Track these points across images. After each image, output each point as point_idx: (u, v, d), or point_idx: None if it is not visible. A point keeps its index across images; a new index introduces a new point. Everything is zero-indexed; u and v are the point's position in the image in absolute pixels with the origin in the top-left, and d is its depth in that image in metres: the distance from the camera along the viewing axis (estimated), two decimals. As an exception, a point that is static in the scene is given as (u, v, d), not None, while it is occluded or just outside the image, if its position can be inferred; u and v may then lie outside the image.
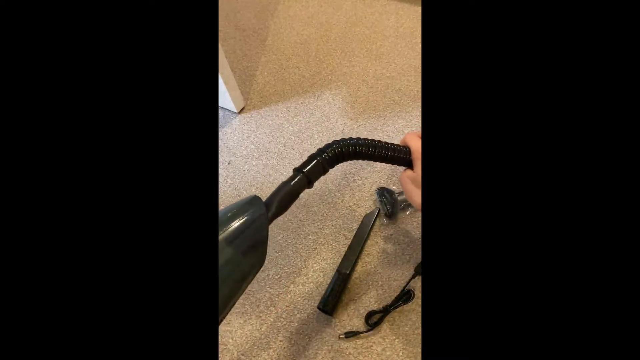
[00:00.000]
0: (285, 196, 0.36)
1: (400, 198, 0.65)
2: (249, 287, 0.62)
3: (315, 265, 0.63)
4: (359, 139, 0.40)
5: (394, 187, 0.68)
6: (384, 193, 0.66)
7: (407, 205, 0.65)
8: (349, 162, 0.74)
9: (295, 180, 0.37)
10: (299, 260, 0.64)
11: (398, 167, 0.73)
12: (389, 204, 0.65)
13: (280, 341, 0.57)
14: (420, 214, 0.66)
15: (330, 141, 0.39)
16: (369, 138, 0.41)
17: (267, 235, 0.32)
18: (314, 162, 0.38)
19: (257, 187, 0.72)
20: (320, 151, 0.39)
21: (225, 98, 0.82)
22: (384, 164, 0.43)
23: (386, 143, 0.42)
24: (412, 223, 0.66)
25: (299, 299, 0.60)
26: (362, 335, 0.55)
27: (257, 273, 0.32)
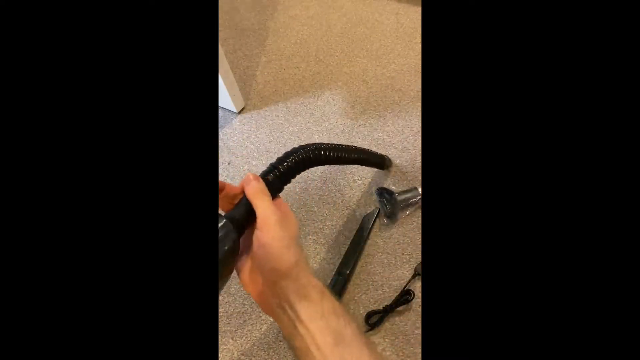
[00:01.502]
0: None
1: (400, 198, 0.65)
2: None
3: (315, 265, 0.63)
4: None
5: (394, 187, 0.68)
6: (383, 193, 0.66)
7: (407, 205, 0.65)
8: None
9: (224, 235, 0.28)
10: (299, 260, 0.64)
11: (398, 168, 0.73)
12: (389, 204, 0.65)
13: (280, 341, 0.57)
14: (420, 214, 0.66)
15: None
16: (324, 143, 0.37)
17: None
18: (245, 206, 0.30)
19: (257, 187, 0.72)
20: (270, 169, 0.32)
21: (225, 98, 0.82)
22: None
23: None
24: (412, 223, 0.66)
25: (299, 299, 0.60)
26: (362, 335, 0.55)
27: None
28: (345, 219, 0.67)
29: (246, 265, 0.31)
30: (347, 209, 0.69)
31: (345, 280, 0.58)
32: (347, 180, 0.72)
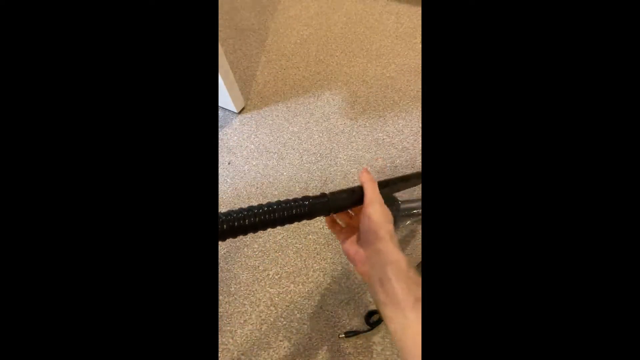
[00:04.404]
0: None
1: (403, 206, 0.64)
2: (250, 287, 0.62)
3: (315, 265, 0.63)
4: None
5: (399, 194, 0.68)
6: (386, 199, 0.66)
7: (409, 214, 0.65)
8: (350, 161, 0.74)
9: None
10: (299, 260, 0.64)
11: (398, 168, 0.73)
12: (391, 210, 0.64)
13: (280, 341, 0.57)
14: (420, 223, 0.66)
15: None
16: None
17: None
18: None
19: (257, 187, 0.72)
20: None
21: (225, 98, 0.82)
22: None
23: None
24: (413, 223, 0.66)
25: (299, 298, 0.60)
26: (362, 334, 0.55)
27: None
28: (345, 219, 0.68)
29: (352, 238, 0.38)
30: (347, 209, 0.69)
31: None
32: (347, 181, 0.72)
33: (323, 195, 0.36)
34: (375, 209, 0.36)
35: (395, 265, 0.34)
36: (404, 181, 0.45)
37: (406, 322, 0.30)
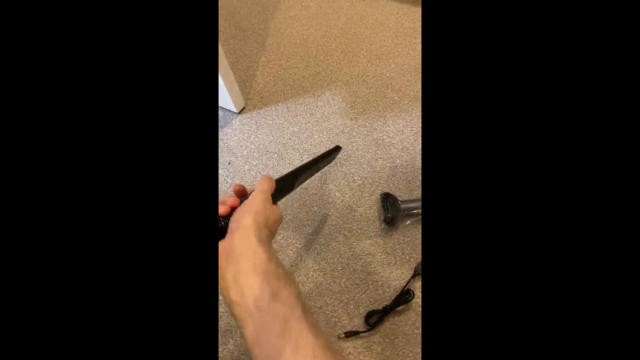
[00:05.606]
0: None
1: (403, 206, 0.64)
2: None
3: (315, 265, 0.63)
4: None
5: (399, 195, 0.68)
6: (387, 198, 0.66)
7: (409, 214, 0.65)
8: (350, 161, 0.74)
9: None
10: (299, 260, 0.64)
11: (398, 168, 0.73)
12: (391, 209, 0.64)
13: (280, 341, 0.57)
14: (420, 223, 0.66)
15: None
16: None
17: None
18: None
19: (257, 187, 0.72)
20: None
21: (225, 98, 0.82)
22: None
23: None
24: (412, 223, 0.66)
25: (299, 299, 0.60)
26: (362, 335, 0.55)
27: None
28: (345, 219, 0.67)
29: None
30: (347, 208, 0.69)
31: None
32: (347, 180, 0.72)
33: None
34: (255, 198, 0.34)
35: (255, 258, 0.29)
36: (307, 169, 0.47)
37: (263, 321, 0.26)
